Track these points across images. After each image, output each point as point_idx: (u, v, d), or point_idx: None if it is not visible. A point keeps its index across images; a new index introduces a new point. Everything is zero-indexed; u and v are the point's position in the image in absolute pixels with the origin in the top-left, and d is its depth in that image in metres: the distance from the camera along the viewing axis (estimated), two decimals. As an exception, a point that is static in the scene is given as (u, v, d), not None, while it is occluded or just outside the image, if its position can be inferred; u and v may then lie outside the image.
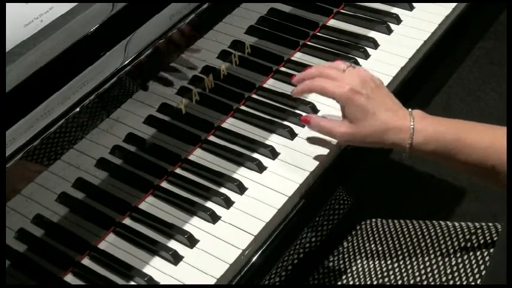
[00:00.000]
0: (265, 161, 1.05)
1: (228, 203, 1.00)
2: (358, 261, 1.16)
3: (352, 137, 1.00)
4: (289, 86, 1.17)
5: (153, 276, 0.93)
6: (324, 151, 1.06)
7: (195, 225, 0.99)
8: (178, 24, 0.99)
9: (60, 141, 0.91)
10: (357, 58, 1.19)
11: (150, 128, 1.07)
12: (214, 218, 0.98)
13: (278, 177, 1.03)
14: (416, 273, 1.09)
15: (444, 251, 1.11)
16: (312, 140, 1.08)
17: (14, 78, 0.83)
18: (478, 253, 1.08)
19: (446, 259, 1.09)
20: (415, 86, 1.23)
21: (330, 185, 1.09)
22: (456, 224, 1.15)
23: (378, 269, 1.13)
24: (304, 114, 1.11)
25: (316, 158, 1.05)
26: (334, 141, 1.07)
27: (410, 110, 1.00)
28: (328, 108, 1.10)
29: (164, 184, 1.05)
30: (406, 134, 0.97)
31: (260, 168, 1.04)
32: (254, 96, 1.16)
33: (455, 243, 1.11)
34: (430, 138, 0.97)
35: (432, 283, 1.08)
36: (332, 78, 1.01)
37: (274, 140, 1.09)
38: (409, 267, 1.11)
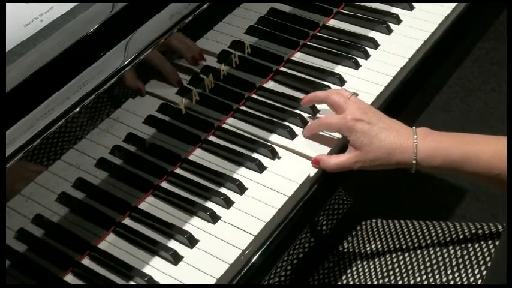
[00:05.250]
0: (265, 161, 1.05)
1: (228, 203, 1.00)
2: (358, 261, 1.16)
3: (362, 163, 1.02)
4: (289, 86, 1.17)
5: (153, 276, 0.93)
6: (324, 151, 1.06)
7: (195, 225, 0.99)
8: (178, 24, 0.99)
9: (60, 141, 0.91)
10: (357, 58, 1.19)
11: (150, 128, 1.07)
12: (214, 218, 0.98)
13: (278, 177, 1.03)
14: (417, 274, 1.10)
15: (444, 251, 1.11)
16: (312, 140, 1.08)
17: (14, 78, 0.83)
18: (479, 253, 1.08)
19: (447, 259, 1.09)
20: (415, 86, 1.23)
21: (329, 185, 1.09)
22: (456, 224, 1.15)
23: (377, 269, 1.13)
24: (304, 114, 1.11)
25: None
26: (333, 142, 1.07)
27: (414, 128, 1.02)
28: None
29: (164, 184, 1.05)
30: (410, 152, 0.99)
31: (260, 168, 1.04)
32: (254, 96, 1.16)
33: (456, 244, 1.11)
34: (434, 154, 0.99)
35: (432, 283, 1.08)
36: (337, 106, 1.05)
37: (274, 140, 1.09)
38: (409, 267, 1.11)
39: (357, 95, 1.07)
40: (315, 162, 1.04)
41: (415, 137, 1.00)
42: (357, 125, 1.01)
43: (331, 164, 1.03)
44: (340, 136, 1.07)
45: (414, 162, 1.00)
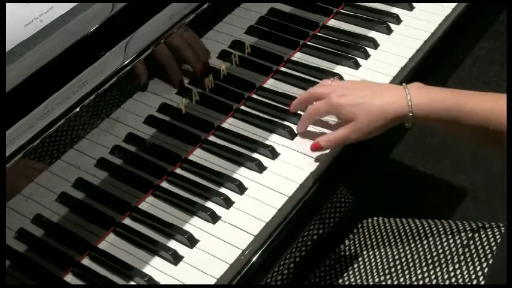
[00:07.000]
0: (265, 161, 1.05)
1: (228, 203, 1.00)
2: (359, 259, 1.16)
3: (359, 132, 1.02)
4: (289, 86, 1.17)
5: (153, 276, 0.93)
6: (324, 150, 1.06)
7: (195, 225, 0.99)
8: (178, 24, 0.99)
9: (60, 141, 0.91)
10: (357, 58, 1.19)
11: (150, 128, 1.07)
12: (214, 218, 0.98)
13: (278, 177, 1.03)
14: (418, 271, 1.10)
15: (446, 249, 1.11)
16: (311, 139, 1.08)
17: (14, 78, 0.83)
18: (480, 252, 1.08)
19: (448, 257, 1.09)
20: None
21: (330, 184, 1.09)
22: (458, 222, 1.15)
23: (379, 267, 1.13)
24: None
25: (317, 157, 1.05)
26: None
27: (404, 83, 1.02)
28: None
29: (164, 184, 1.05)
30: (405, 105, 0.99)
31: (260, 168, 1.04)
32: (254, 96, 1.16)
33: (457, 242, 1.11)
34: (429, 104, 0.99)
35: (433, 282, 1.08)
36: (322, 95, 1.05)
37: (274, 140, 1.09)
38: (410, 265, 1.11)
39: (340, 77, 1.06)
40: (315, 146, 1.04)
41: (407, 90, 0.99)
42: (341, 100, 1.02)
43: (332, 141, 1.03)
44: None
45: (410, 114, 0.99)
